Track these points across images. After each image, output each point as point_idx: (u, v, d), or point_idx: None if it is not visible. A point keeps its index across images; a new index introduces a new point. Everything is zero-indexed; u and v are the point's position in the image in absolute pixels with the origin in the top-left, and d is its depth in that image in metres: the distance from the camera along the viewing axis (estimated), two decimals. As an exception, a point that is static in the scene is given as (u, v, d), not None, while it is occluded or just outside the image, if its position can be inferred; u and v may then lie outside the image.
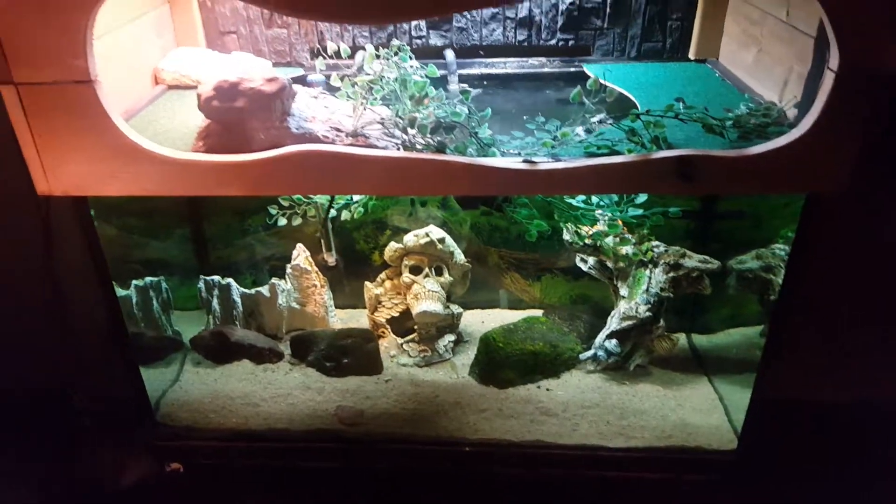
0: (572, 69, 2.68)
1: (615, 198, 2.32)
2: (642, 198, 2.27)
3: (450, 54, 2.43)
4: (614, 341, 2.61)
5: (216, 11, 2.67)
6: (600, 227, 2.62)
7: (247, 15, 2.70)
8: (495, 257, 2.95)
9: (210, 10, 2.66)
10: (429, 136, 1.89)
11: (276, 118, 1.93)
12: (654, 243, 2.65)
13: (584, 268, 2.81)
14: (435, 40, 2.73)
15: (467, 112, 1.92)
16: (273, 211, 2.69)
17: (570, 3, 2.67)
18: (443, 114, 1.90)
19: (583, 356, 2.67)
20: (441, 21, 2.71)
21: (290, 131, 1.94)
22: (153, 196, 1.88)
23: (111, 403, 2.28)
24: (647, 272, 2.63)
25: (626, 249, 2.60)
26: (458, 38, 2.75)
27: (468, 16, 2.72)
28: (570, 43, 2.77)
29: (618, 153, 1.80)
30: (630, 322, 2.60)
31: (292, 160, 1.83)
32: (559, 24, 2.74)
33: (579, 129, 1.88)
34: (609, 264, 2.66)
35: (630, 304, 2.62)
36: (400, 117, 1.90)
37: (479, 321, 2.97)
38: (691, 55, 2.67)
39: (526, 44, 2.78)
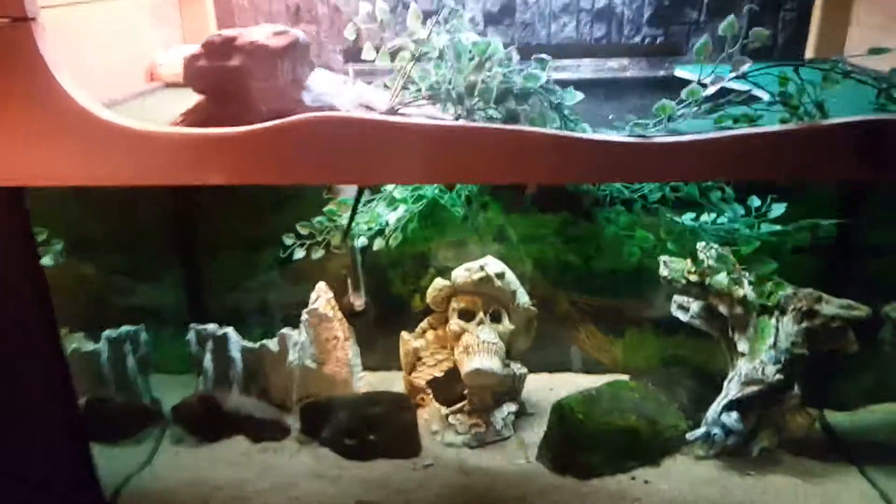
0: (661, 73, 2.14)
1: (731, 211, 1.70)
2: (778, 209, 1.65)
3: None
4: (735, 414, 1.93)
5: (233, 3, 2.24)
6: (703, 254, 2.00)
7: (269, 9, 2.26)
8: (566, 304, 2.34)
9: (225, 3, 2.24)
10: (493, 106, 1.34)
11: (285, 84, 1.41)
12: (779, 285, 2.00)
13: (682, 317, 2.18)
14: (493, 37, 2.24)
15: (545, 79, 1.37)
16: (288, 241, 2.14)
17: (660, -12, 2.16)
18: (513, 81, 1.35)
19: (691, 436, 1.99)
20: (500, 13, 2.23)
21: (303, 104, 1.42)
22: (109, 187, 1.36)
23: (49, 495, 1.69)
24: (774, 322, 1.97)
25: (745, 289, 1.96)
26: (521, 35, 2.25)
27: (535, 7, 2.23)
28: (659, 40, 2.24)
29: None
30: (755, 388, 1.93)
31: (302, 131, 1.30)
32: (645, 17, 2.22)
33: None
34: (722, 310, 2.01)
35: (753, 363, 1.96)
36: (453, 87, 1.36)
37: (546, 388, 2.34)
38: (809, 54, 2.10)
39: (605, 42, 2.27)
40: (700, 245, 2.07)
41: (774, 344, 1.96)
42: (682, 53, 2.22)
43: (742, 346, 2.02)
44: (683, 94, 1.25)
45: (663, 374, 2.24)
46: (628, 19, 2.24)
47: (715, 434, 1.96)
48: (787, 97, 1.24)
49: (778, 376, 1.92)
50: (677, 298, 2.20)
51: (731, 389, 1.97)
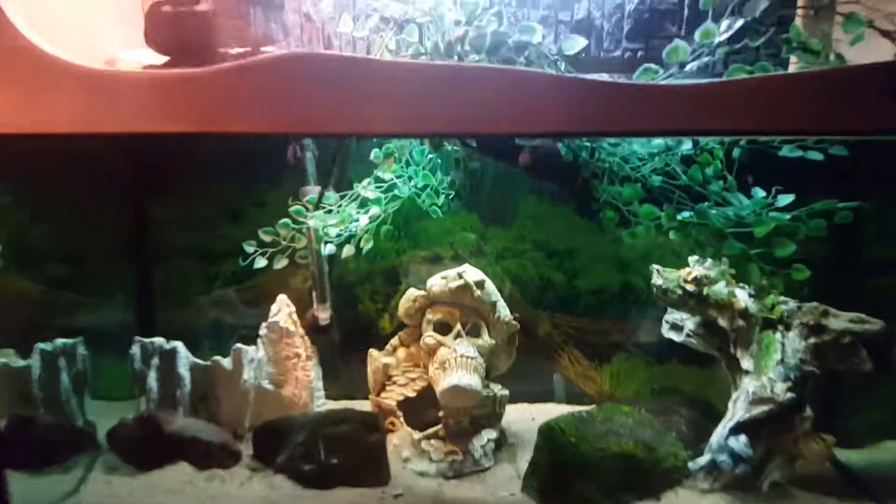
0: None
1: (735, 200, 1.56)
2: (786, 199, 1.52)
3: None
4: (743, 438, 1.74)
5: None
6: (696, 272, 1.86)
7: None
8: (548, 327, 2.15)
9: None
10: (486, 56, 1.21)
11: (255, 32, 1.26)
12: (781, 298, 1.86)
13: (676, 338, 2.01)
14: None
15: (541, 35, 1.25)
16: (249, 248, 1.93)
17: (639, 2, 2.11)
18: (507, 33, 1.23)
19: (695, 465, 1.79)
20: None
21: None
22: (48, 137, 1.17)
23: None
24: (779, 337, 1.81)
25: (744, 299, 1.81)
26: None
27: (511, 19, 2.16)
28: (639, 54, 2.18)
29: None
30: (764, 408, 1.75)
31: (272, 71, 1.15)
32: (625, 30, 2.17)
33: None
34: (722, 323, 1.85)
35: (761, 380, 1.78)
36: (443, 39, 1.23)
37: (528, 418, 2.11)
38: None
39: (584, 55, 2.19)
40: (693, 258, 1.95)
41: (782, 360, 1.79)
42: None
43: (746, 362, 1.84)
44: (697, 35, 1.14)
45: (657, 403, 2.04)
46: (607, 33, 2.18)
47: (722, 462, 1.75)
48: (806, 45, 1.13)
49: (789, 394, 1.74)
50: (669, 317, 2.03)
51: (738, 410, 1.78)
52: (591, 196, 1.43)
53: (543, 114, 1.14)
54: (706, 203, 1.47)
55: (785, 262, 1.48)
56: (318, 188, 1.91)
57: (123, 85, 1.15)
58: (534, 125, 1.20)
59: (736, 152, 1.50)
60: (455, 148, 1.36)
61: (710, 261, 1.91)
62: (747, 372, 1.84)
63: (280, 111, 1.15)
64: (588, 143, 1.40)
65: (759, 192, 1.58)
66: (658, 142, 1.44)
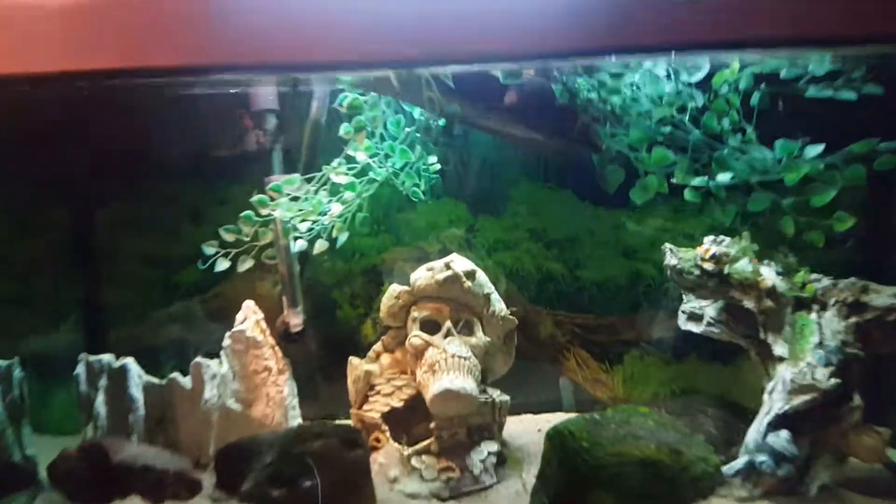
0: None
1: (758, 153, 1.35)
2: (815, 149, 1.31)
3: None
4: (784, 433, 1.51)
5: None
6: (715, 248, 1.65)
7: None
8: (550, 326, 1.92)
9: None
10: None
11: None
12: (813, 276, 1.65)
13: (695, 329, 1.80)
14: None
15: None
16: (209, 250, 1.72)
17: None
18: None
19: (730, 469, 1.56)
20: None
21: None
22: None
23: None
24: (814, 317, 1.59)
25: (770, 277, 1.60)
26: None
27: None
28: None
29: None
30: (806, 397, 1.51)
31: None
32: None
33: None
34: (749, 305, 1.63)
35: (798, 366, 1.55)
36: None
37: (534, 429, 1.88)
38: None
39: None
40: (708, 238, 1.73)
41: (821, 342, 1.57)
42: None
43: (779, 348, 1.62)
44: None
45: (679, 403, 1.81)
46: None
47: (761, 463, 1.51)
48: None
49: (832, 380, 1.51)
50: (686, 306, 1.81)
51: (776, 401, 1.55)
52: (591, 144, 1.22)
53: (536, 32, 0.94)
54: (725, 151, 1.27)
55: (823, 212, 1.27)
56: (285, 177, 1.70)
57: (26, 17, 0.95)
58: (524, 46, 0.99)
59: (754, 98, 1.31)
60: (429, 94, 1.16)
61: (727, 239, 1.70)
62: (782, 359, 1.62)
63: (210, 38, 0.95)
64: (586, 78, 1.20)
65: (785, 146, 1.37)
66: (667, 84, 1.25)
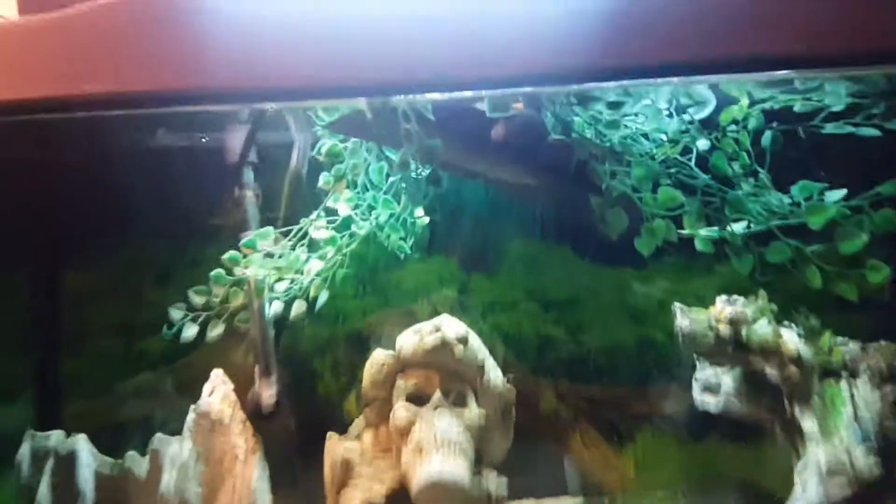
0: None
1: (773, 198, 1.22)
2: (835, 195, 1.19)
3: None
4: (824, 525, 1.29)
5: None
6: (731, 309, 1.51)
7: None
8: (552, 398, 1.75)
9: None
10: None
11: None
12: (839, 339, 1.50)
13: (712, 404, 1.61)
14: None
15: None
16: (176, 315, 1.58)
17: None
18: None
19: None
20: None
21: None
22: None
23: None
24: (845, 387, 1.43)
25: (793, 341, 1.44)
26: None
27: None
28: None
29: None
30: (842, 479, 1.32)
31: (146, 6, 0.85)
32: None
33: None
34: (771, 374, 1.47)
35: (832, 443, 1.37)
36: None
37: (536, 519, 1.64)
38: None
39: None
40: (721, 298, 1.59)
41: (855, 416, 1.39)
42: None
43: (808, 423, 1.44)
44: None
45: (698, 489, 1.60)
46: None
47: (798, 561, 1.30)
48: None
49: (872, 461, 1.32)
50: (701, 375, 1.64)
51: (810, 484, 1.35)
52: (589, 186, 1.09)
53: (523, 54, 0.83)
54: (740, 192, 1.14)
55: (852, 262, 1.12)
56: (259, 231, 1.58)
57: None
58: (508, 70, 0.88)
59: (766, 139, 1.20)
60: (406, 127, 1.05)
61: (741, 299, 1.56)
62: (811, 437, 1.42)
63: (155, 63, 0.84)
64: (581, 109, 1.09)
65: (801, 190, 1.25)
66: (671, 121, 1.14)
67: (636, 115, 1.09)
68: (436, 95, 0.91)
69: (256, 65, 0.86)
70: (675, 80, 1.00)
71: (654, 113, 1.09)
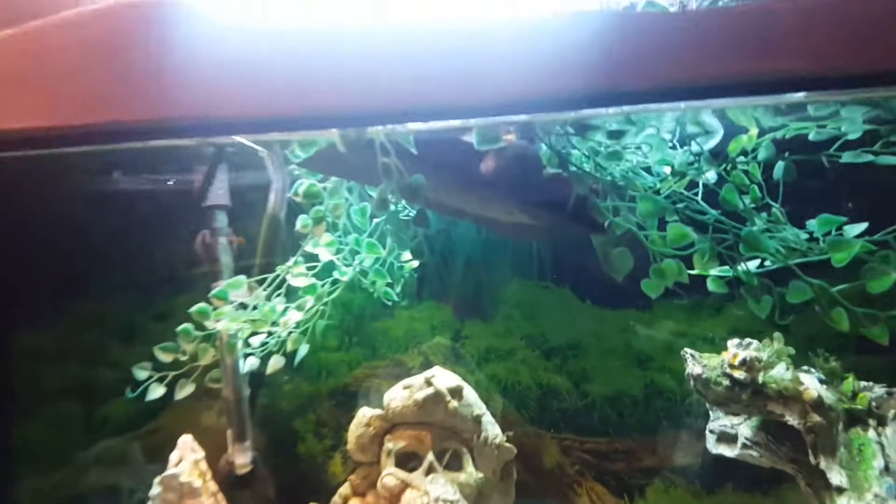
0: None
1: (789, 232, 1.12)
2: (855, 229, 1.09)
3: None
4: (866, 592, 1.16)
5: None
6: (745, 353, 1.41)
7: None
8: (556, 453, 1.62)
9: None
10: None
11: None
12: (863, 384, 1.40)
13: (728, 453, 1.49)
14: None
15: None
16: (141, 374, 1.46)
17: None
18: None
19: None
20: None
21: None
22: None
23: None
24: (873, 435, 1.31)
25: (814, 387, 1.33)
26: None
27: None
28: None
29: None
30: (884, 543, 1.19)
31: (97, 26, 0.76)
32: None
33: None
34: (791, 421, 1.35)
35: (864, 500, 1.24)
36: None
37: (542, 588, 1.49)
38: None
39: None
40: (733, 342, 1.48)
41: (886, 467, 1.27)
42: None
43: (836, 476, 1.31)
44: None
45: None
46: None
47: None
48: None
49: (913, 520, 1.19)
50: (715, 424, 1.52)
51: (846, 547, 1.22)
52: (589, 224, 0.99)
53: (514, 79, 0.74)
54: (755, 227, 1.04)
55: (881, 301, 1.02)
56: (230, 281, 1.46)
57: None
58: (499, 97, 0.79)
59: (778, 170, 1.10)
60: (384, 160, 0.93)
61: (755, 342, 1.46)
62: (840, 489, 1.30)
63: (104, 91, 0.74)
64: (579, 139, 0.99)
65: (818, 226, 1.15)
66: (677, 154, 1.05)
67: (638, 147, 1.00)
68: (418, 125, 0.81)
69: (219, 95, 0.76)
70: (680, 105, 0.91)
71: (658, 143, 1.00)
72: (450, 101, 0.76)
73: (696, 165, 1.04)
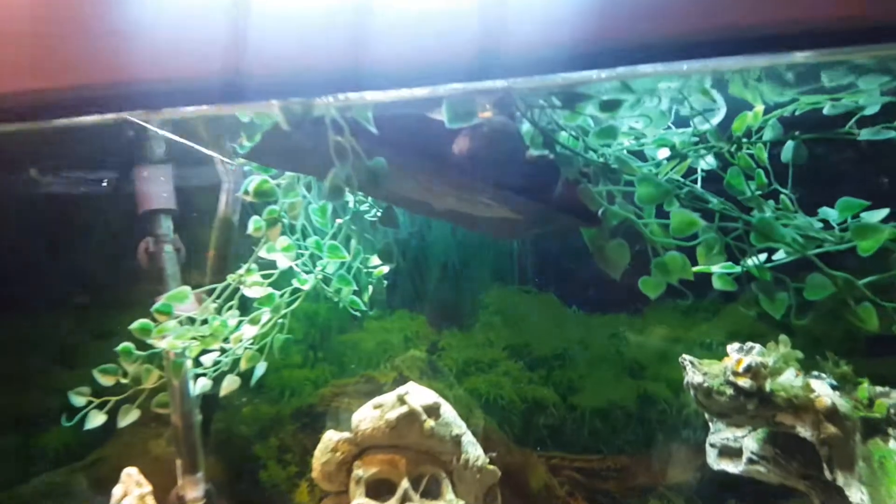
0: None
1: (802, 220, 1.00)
2: (877, 214, 0.97)
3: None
4: None
5: None
6: (749, 359, 1.30)
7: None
8: (543, 473, 1.49)
9: None
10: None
11: None
12: (879, 389, 1.29)
13: (733, 469, 1.38)
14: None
15: None
16: (78, 400, 1.31)
17: None
18: None
19: None
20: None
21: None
22: None
23: None
24: (894, 445, 1.20)
25: (826, 394, 1.22)
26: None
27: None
28: None
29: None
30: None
31: None
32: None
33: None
34: (803, 433, 1.23)
35: (889, 519, 1.12)
36: None
37: None
38: None
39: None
40: (733, 346, 1.37)
41: (910, 481, 1.15)
42: None
43: (855, 492, 1.19)
44: None
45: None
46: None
47: None
48: None
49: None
50: (716, 438, 1.40)
51: (871, 574, 1.09)
52: (581, 212, 0.85)
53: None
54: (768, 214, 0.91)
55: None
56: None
57: None
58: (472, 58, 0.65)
59: (787, 152, 0.99)
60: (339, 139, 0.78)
61: (757, 346, 1.34)
62: (860, 507, 1.18)
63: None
64: (565, 117, 0.86)
65: (831, 213, 1.03)
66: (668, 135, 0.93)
67: (636, 118, 0.87)
68: (377, 95, 0.68)
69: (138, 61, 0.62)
70: (681, 66, 0.77)
71: (657, 117, 0.87)
72: (410, 67, 0.62)
73: (701, 145, 0.91)
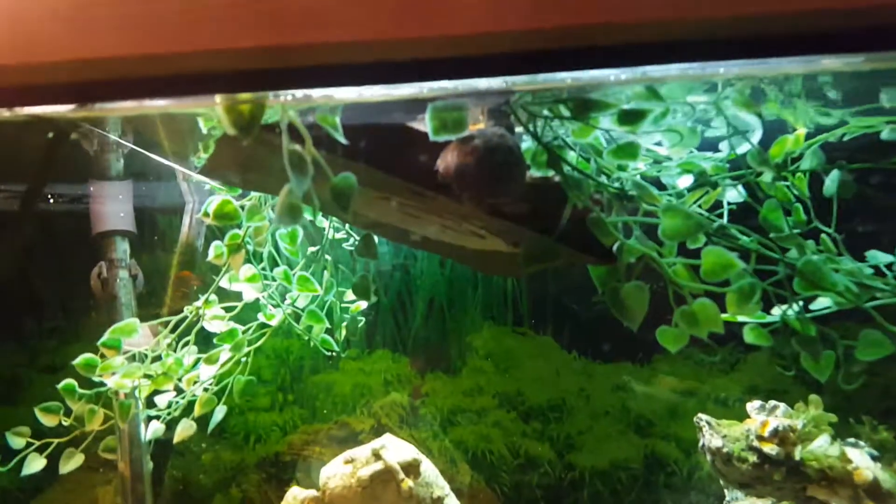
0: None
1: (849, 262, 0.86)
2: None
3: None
4: None
5: None
6: (776, 422, 1.14)
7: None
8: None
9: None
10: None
11: None
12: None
13: (751, 544, 1.20)
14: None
15: None
16: (17, 441, 1.16)
17: None
18: None
19: None
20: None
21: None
22: None
23: None
24: (941, 525, 1.04)
25: (866, 465, 1.07)
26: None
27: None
28: None
29: None
30: None
31: None
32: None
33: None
34: (840, 510, 1.07)
35: None
36: None
37: None
38: None
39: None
40: (753, 405, 1.22)
41: (963, 570, 0.99)
42: None
43: (898, 581, 1.02)
44: None
45: None
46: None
47: None
48: None
49: None
50: (735, 506, 1.23)
51: None
52: (590, 247, 0.71)
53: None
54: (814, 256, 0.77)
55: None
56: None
57: None
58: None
59: (831, 183, 0.85)
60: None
61: (782, 406, 1.19)
62: None
63: None
64: (576, 131, 0.72)
65: (879, 257, 0.89)
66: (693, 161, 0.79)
67: (657, 136, 0.73)
68: (348, 93, 0.54)
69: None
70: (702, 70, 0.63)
71: (688, 134, 0.73)
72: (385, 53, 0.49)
73: (739, 171, 0.78)
